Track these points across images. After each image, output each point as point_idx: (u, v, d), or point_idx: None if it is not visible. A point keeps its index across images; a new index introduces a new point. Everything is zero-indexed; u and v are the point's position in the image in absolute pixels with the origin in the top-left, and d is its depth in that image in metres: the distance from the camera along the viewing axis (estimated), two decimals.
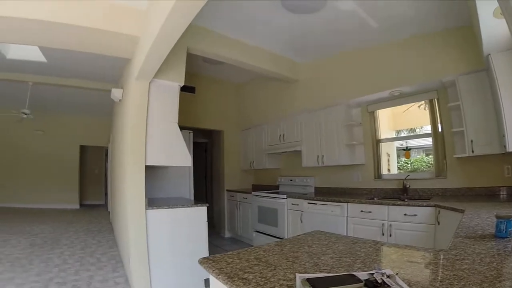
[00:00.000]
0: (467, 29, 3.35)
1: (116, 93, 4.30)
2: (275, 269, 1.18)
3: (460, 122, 3.48)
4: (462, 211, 2.42)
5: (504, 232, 1.42)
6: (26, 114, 6.99)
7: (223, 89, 6.88)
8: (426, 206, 3.18)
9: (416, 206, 3.26)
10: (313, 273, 1.11)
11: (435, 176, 4.06)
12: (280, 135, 5.64)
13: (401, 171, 4.80)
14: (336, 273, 1.10)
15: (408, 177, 4.13)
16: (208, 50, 4.11)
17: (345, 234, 3.80)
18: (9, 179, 9.77)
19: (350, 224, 3.84)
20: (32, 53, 4.98)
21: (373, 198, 4.00)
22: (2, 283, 3.62)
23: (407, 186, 4.04)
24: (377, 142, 4.69)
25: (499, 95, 2.83)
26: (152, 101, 3.73)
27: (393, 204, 3.46)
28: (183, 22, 2.40)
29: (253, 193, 5.58)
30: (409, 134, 4.92)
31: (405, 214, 3.31)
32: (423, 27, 3.67)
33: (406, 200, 3.68)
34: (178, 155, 3.83)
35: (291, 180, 5.68)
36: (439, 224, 2.96)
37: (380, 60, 4.24)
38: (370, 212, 3.65)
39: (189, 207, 3.84)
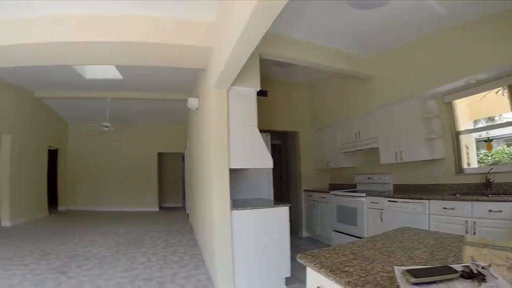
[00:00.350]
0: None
1: (192, 102, 4.88)
2: (372, 262, 1.28)
3: None
4: None
5: None
6: (106, 127, 8.04)
7: (294, 91, 7.27)
8: (510, 201, 3.14)
9: (501, 201, 3.23)
10: (409, 265, 1.18)
11: None
12: (355, 133, 5.88)
13: (481, 164, 4.66)
14: (432, 265, 1.17)
15: (491, 171, 4.07)
16: (278, 54, 4.45)
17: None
18: (96, 186, 11.62)
19: (432, 222, 3.94)
20: (109, 72, 5.79)
21: (455, 194, 4.00)
22: (91, 278, 4.04)
23: (491, 180, 3.98)
24: (456, 134, 4.67)
25: None
26: (232, 107, 4.12)
27: (477, 200, 3.47)
28: (260, 30, 2.50)
29: (331, 192, 5.89)
30: (488, 124, 4.70)
31: (489, 211, 3.29)
32: (494, 7, 3.52)
33: (490, 195, 3.62)
34: (260, 157, 4.18)
35: (368, 178, 5.90)
36: None
37: (450, 48, 4.17)
38: (453, 209, 3.70)
39: (271, 207, 4.17)
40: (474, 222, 3.46)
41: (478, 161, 4.78)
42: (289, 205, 4.34)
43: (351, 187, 6.24)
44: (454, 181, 4.56)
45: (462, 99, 4.64)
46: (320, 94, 7.23)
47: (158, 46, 3.65)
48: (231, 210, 3.90)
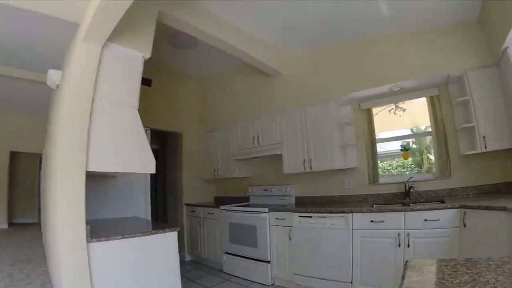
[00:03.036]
0: (473, 24, 3.56)
1: (53, 76, 3.24)
2: None
3: (465, 119, 3.64)
4: (503, 209, 2.42)
5: None
6: None
7: (185, 83, 6.18)
8: (450, 208, 3.01)
9: (439, 209, 3.05)
10: None
11: (438, 176, 3.98)
12: (254, 137, 5.11)
13: (397, 173, 4.71)
14: None
15: (411, 179, 3.96)
16: (185, 20, 3.42)
17: (351, 250, 3.44)
18: None
19: (357, 238, 3.44)
20: None
21: (373, 206, 3.75)
22: None
23: (416, 188, 3.86)
24: (371, 142, 4.42)
25: None
26: (104, 74, 2.77)
27: (412, 210, 3.18)
28: None
29: (222, 207, 4.91)
30: (406, 134, 4.69)
31: (425, 220, 3.08)
32: (431, 20, 3.64)
33: (411, 204, 3.62)
34: (138, 156, 2.91)
35: (265, 190, 5.17)
36: (465, 226, 2.88)
37: (382, 53, 4.07)
38: (382, 221, 3.29)
39: (152, 234, 2.83)
40: (408, 234, 3.15)
41: (388, 170, 4.81)
42: (178, 229, 3.08)
43: (243, 201, 5.44)
44: (368, 191, 4.30)
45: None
46: (216, 90, 6.28)
47: None
48: (88, 241, 2.44)
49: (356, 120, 4.47)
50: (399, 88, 4.06)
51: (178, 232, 3.04)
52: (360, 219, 3.42)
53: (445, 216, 3.01)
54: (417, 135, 4.64)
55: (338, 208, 3.65)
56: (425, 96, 4.16)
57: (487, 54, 3.41)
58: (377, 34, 4.01)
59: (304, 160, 4.40)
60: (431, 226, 3.05)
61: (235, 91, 5.81)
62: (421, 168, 4.62)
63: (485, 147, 3.35)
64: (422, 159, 4.73)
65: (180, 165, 5.97)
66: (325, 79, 4.46)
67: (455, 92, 3.82)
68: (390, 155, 4.86)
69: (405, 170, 4.70)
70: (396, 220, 3.22)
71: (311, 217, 3.78)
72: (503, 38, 2.94)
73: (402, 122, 4.57)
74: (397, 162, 4.94)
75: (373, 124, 4.45)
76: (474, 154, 3.51)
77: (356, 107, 4.51)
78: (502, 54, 3.11)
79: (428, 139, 4.48)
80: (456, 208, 2.98)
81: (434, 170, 4.17)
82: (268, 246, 4.16)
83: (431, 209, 3.09)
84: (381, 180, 4.33)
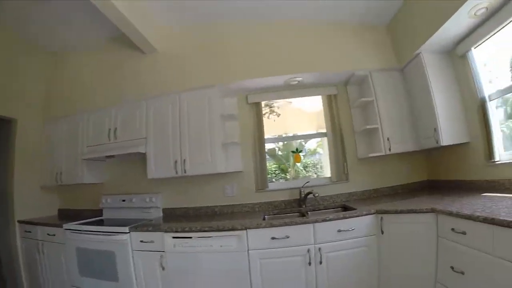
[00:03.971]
0: (382, 28, 3.68)
1: None
2: None
3: (366, 120, 3.66)
4: (430, 211, 2.40)
5: None
6: None
7: (30, 55, 4.36)
8: (366, 214, 2.73)
9: (354, 217, 2.72)
10: None
11: (335, 180, 3.67)
12: (109, 130, 3.85)
13: (289, 177, 4.37)
14: None
15: (306, 184, 3.51)
16: None
17: (249, 277, 2.69)
18: None
19: (255, 261, 2.69)
20: None
21: (264, 218, 3.14)
22: None
23: (317, 195, 3.35)
24: (259, 142, 3.76)
25: (431, 91, 3.09)
26: None
27: (323, 220, 2.69)
28: None
29: (65, 226, 3.50)
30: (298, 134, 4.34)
31: (339, 231, 2.68)
32: (344, 15, 3.54)
33: (309, 212, 3.27)
34: None
35: (123, 201, 3.96)
36: (383, 233, 2.68)
37: (282, 39, 3.58)
38: (287, 237, 2.65)
39: None
40: (319, 249, 2.66)
41: (274, 173, 4.45)
42: None
43: (95, 215, 4.09)
44: (256, 199, 3.67)
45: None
46: (71, 67, 4.54)
47: None
48: None
49: (242, 115, 3.79)
50: (296, 82, 3.63)
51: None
52: (258, 237, 2.69)
53: (361, 224, 2.71)
54: (311, 136, 4.27)
55: (227, 224, 2.84)
56: (322, 95, 3.88)
57: (394, 58, 3.55)
58: (278, 16, 3.51)
59: (176, 161, 3.44)
60: (345, 237, 2.68)
61: (94, 69, 4.34)
62: (285, 175, 4.43)
63: (389, 149, 3.35)
64: (287, 165, 4.49)
65: (11, 166, 4.10)
66: (210, 62, 3.62)
67: (354, 93, 3.78)
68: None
69: (270, 175, 4.31)
70: (304, 234, 2.67)
71: (190, 237, 2.84)
72: (417, 44, 3.10)
73: (275, 128, 4.26)
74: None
75: (262, 121, 3.81)
76: (370, 157, 3.49)
77: (242, 100, 3.85)
78: (413, 59, 3.27)
79: (315, 142, 4.34)
80: (372, 214, 2.72)
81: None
82: (133, 279, 3.02)
83: (345, 218, 2.70)
84: (271, 186, 3.72)
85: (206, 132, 3.39)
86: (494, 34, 2.75)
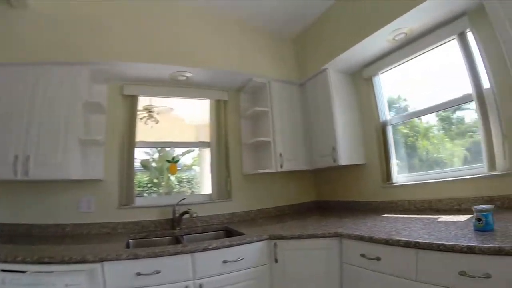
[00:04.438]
0: (290, 40, 3.62)
1: None
2: None
3: (257, 132, 3.37)
4: (333, 235, 2.18)
5: None
6: None
7: None
8: (257, 241, 2.30)
9: (242, 244, 2.25)
10: None
11: (215, 198, 3.23)
12: None
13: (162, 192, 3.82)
14: None
15: (182, 201, 2.91)
16: None
17: None
18: None
19: None
20: None
21: (128, 244, 2.46)
22: None
23: (195, 215, 2.72)
24: (129, 146, 3.02)
25: (333, 108, 3.00)
26: None
27: (205, 249, 2.12)
28: None
29: None
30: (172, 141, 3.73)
31: (225, 262, 2.16)
32: (251, 17, 3.28)
33: (184, 236, 2.72)
34: None
35: None
36: (276, 261, 2.29)
37: (179, 26, 3.02)
38: (158, 272, 1.98)
39: None
40: (201, 286, 2.08)
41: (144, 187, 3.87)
42: None
43: None
44: (118, 218, 2.89)
45: None
46: None
47: None
48: None
49: (112, 109, 3.00)
50: (184, 78, 3.07)
51: None
52: (118, 272, 1.95)
53: (251, 251, 2.27)
54: (193, 144, 3.76)
55: (76, 252, 2.01)
56: (212, 99, 3.43)
57: (296, 72, 3.47)
58: None
59: (17, 157, 2.41)
60: (233, 269, 2.18)
61: None
62: (157, 189, 3.92)
63: (281, 166, 3.10)
64: (161, 179, 4.00)
65: None
66: (84, 35, 2.73)
67: (247, 102, 3.51)
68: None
69: (141, 189, 3.74)
70: (180, 268, 2.05)
71: (24, 272, 1.95)
72: (327, 59, 3.02)
73: (152, 136, 3.63)
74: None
75: (136, 120, 3.09)
76: (257, 174, 3.23)
77: (115, 90, 3.07)
78: (317, 74, 3.18)
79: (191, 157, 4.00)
80: (264, 240, 2.32)
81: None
82: None
83: (232, 245, 2.20)
84: (139, 202, 3.00)
85: (61, 121, 2.50)
86: (402, 63, 2.86)
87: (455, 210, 2.36)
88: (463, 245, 1.42)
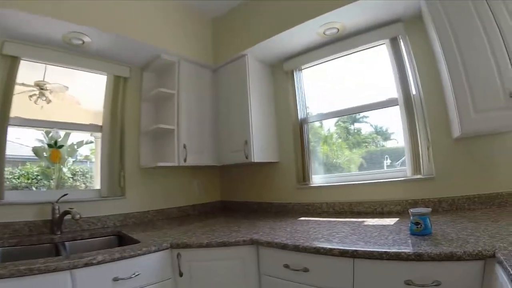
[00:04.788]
0: (209, 20, 3.25)
1: None
2: None
3: (160, 118, 2.95)
4: (249, 243, 1.89)
5: None
6: None
7: None
8: (156, 251, 1.87)
9: (137, 255, 1.77)
10: None
11: (106, 195, 2.70)
12: None
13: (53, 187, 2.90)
14: None
15: (63, 198, 2.35)
16: None
17: None
18: None
19: None
20: None
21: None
22: None
23: (78, 216, 2.15)
24: (2, 122, 2.32)
25: (248, 99, 2.79)
26: None
27: (87, 264, 1.59)
28: None
29: None
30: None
31: (116, 279, 1.67)
32: None
33: (66, 244, 2.21)
34: None
35: None
36: (181, 275, 1.91)
37: None
38: None
39: None
40: None
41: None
42: None
43: None
44: None
45: None
46: None
47: None
48: None
49: None
50: (80, 42, 2.51)
51: None
52: None
53: (149, 264, 1.83)
54: (82, 127, 3.00)
55: None
56: (110, 73, 2.90)
57: (211, 55, 3.15)
58: None
59: None
60: (126, 287, 1.71)
61: None
62: (49, 182, 3.07)
63: (185, 160, 2.75)
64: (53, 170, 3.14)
65: None
66: None
67: (151, 81, 3.05)
68: (21, 159, 3.00)
69: (30, 181, 2.96)
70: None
71: None
72: (248, 44, 2.79)
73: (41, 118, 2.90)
74: (20, 170, 3.07)
75: (13, 88, 2.35)
76: (157, 167, 2.82)
77: None
78: (235, 60, 2.95)
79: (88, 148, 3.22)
80: (165, 249, 1.91)
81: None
82: None
83: (123, 258, 1.71)
84: (9, 197, 2.31)
85: None
86: (329, 60, 2.79)
87: (378, 213, 2.37)
88: (409, 252, 1.30)
